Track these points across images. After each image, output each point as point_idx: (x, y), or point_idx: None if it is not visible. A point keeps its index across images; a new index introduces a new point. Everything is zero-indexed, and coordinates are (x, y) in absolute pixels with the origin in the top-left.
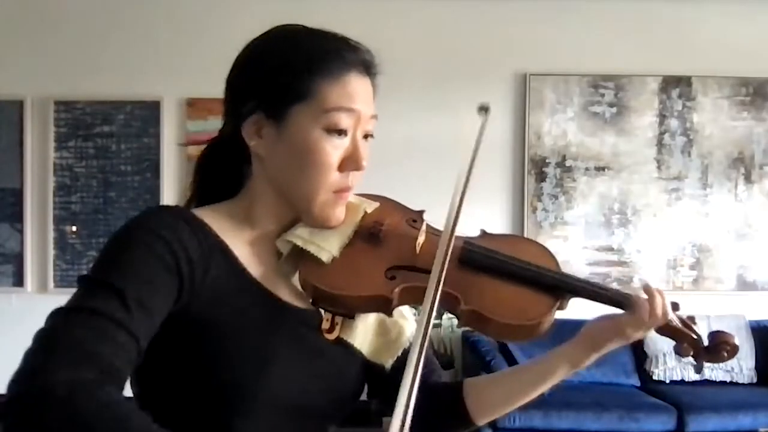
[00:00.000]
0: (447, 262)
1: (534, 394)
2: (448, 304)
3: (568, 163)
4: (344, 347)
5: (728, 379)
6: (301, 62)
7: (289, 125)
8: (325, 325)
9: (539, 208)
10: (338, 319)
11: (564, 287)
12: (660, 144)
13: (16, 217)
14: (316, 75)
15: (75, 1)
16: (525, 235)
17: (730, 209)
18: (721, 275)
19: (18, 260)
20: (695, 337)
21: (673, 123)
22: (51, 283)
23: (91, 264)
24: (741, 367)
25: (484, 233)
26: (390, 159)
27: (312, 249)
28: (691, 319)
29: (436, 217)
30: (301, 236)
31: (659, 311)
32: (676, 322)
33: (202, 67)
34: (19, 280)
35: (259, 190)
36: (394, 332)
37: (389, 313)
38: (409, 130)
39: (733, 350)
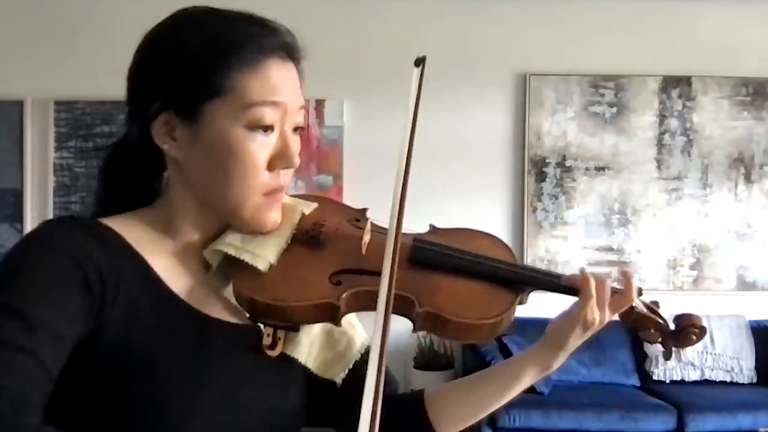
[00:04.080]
0: (396, 261)
1: (501, 402)
2: (402, 307)
3: (568, 163)
4: (288, 365)
5: (728, 379)
6: (212, 53)
7: (206, 124)
8: (267, 340)
9: (539, 208)
10: (280, 333)
11: (522, 280)
12: (660, 144)
13: (16, 217)
14: (232, 66)
15: (75, 1)
16: (525, 235)
17: (730, 209)
18: (721, 275)
19: None
20: (661, 321)
21: (673, 123)
22: None
23: None
24: (741, 367)
25: (433, 228)
26: (389, 159)
27: (246, 257)
28: (656, 303)
29: (429, 216)
30: (232, 244)
31: (606, 288)
32: (641, 308)
33: None
34: None
35: (179, 198)
36: (343, 344)
37: (337, 322)
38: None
39: (702, 332)
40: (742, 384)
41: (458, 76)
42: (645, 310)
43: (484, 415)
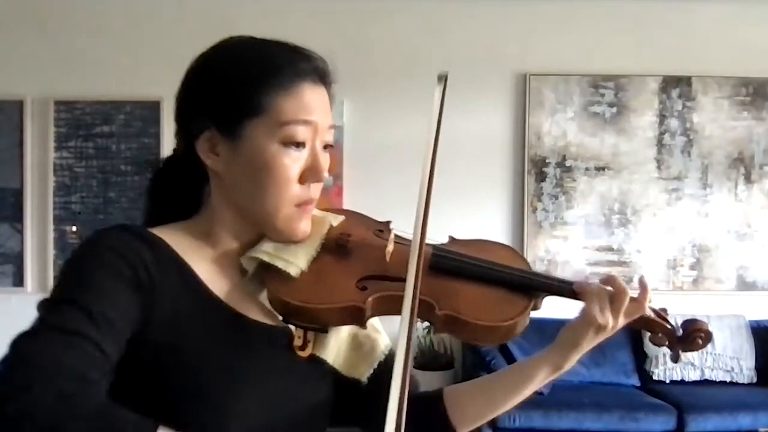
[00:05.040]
0: (420, 266)
1: (514, 399)
2: (423, 311)
3: (568, 163)
4: (317, 365)
5: (728, 379)
6: (252, 76)
7: (245, 141)
8: (297, 342)
9: (539, 208)
10: (310, 336)
11: (537, 286)
12: (660, 144)
13: (16, 217)
14: (269, 88)
15: (75, 1)
16: (525, 236)
17: (730, 209)
18: (721, 275)
19: (18, 260)
20: (669, 326)
21: (673, 123)
22: (51, 284)
23: None
24: (741, 367)
25: (452, 239)
26: (389, 159)
27: (279, 263)
28: (664, 310)
29: (430, 216)
30: (266, 251)
31: (618, 296)
32: (649, 313)
33: None
34: (19, 280)
35: (219, 209)
36: (368, 345)
37: (363, 325)
38: (409, 131)
39: (707, 337)
40: (742, 384)
41: (458, 76)
42: (654, 316)
43: (498, 411)
